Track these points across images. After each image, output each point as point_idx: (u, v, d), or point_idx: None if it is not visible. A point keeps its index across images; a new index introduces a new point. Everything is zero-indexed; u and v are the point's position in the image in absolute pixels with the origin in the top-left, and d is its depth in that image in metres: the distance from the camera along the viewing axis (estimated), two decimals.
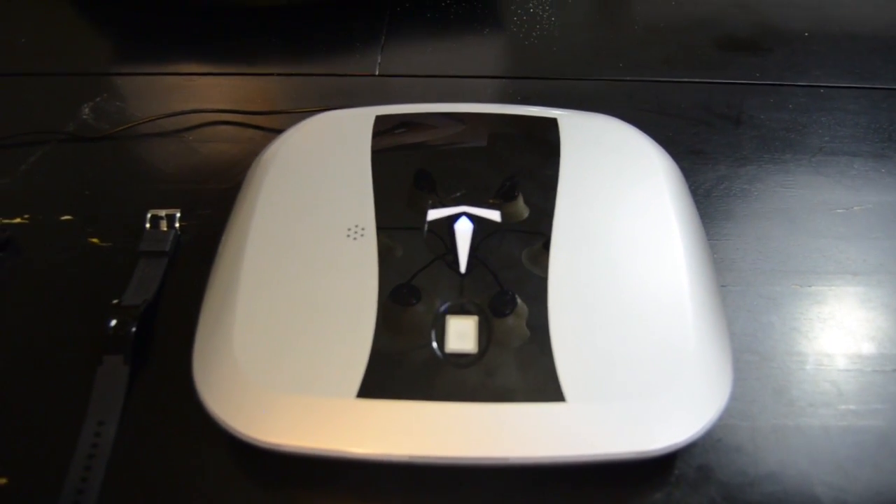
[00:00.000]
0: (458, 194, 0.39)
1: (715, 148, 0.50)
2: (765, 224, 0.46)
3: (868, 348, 0.40)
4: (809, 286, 0.42)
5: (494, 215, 0.38)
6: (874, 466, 0.35)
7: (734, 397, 0.36)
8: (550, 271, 0.35)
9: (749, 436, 0.36)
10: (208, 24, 0.61)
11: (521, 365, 0.33)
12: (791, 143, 0.51)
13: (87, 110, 0.54)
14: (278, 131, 0.45)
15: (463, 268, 0.36)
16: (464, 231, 0.37)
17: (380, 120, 0.42)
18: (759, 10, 0.62)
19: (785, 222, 0.46)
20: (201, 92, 0.55)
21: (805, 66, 0.57)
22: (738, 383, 0.37)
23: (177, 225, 0.45)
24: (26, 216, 0.46)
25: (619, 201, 0.39)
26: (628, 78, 0.56)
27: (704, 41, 0.59)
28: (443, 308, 0.34)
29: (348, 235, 0.37)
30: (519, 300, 0.35)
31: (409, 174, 0.40)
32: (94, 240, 0.45)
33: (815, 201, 0.47)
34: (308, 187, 0.39)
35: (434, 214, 0.38)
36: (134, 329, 0.39)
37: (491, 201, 0.39)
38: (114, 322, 0.39)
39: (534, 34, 0.60)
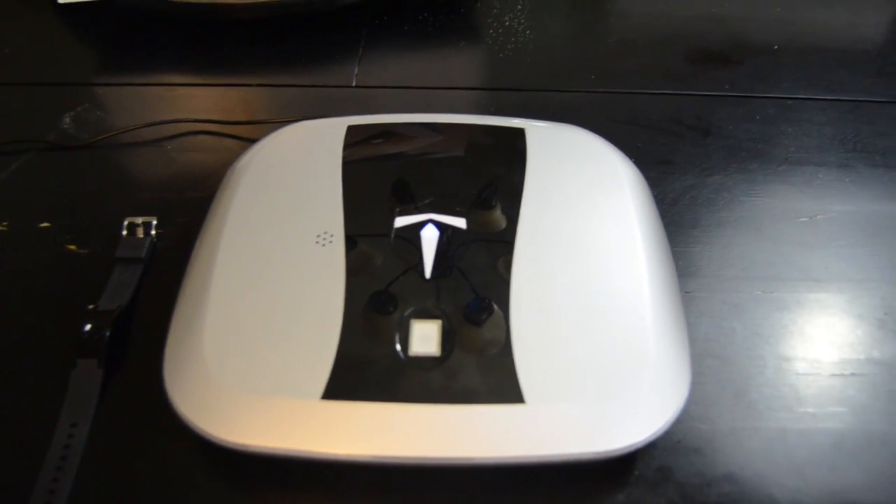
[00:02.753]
0: (426, 202, 0.40)
1: (683, 158, 0.51)
2: (730, 232, 0.47)
3: (827, 353, 0.41)
4: (772, 293, 0.43)
5: (460, 223, 0.39)
6: (830, 468, 0.36)
7: (695, 400, 0.37)
8: (513, 277, 0.36)
9: (708, 438, 0.37)
10: (189, 35, 0.62)
11: (482, 367, 0.33)
12: (758, 153, 0.52)
13: (67, 120, 0.55)
14: (255, 141, 0.46)
15: (428, 273, 0.37)
16: (430, 238, 0.38)
17: (351, 130, 0.43)
18: (732, 25, 0.64)
19: (750, 230, 0.47)
20: (181, 102, 0.56)
21: (774, 78, 0.58)
22: (699, 387, 0.38)
23: (153, 232, 0.46)
24: (5, 223, 0.47)
25: (582, 209, 0.40)
26: (601, 90, 0.57)
27: (677, 54, 0.61)
28: (407, 312, 0.35)
29: (317, 242, 0.38)
30: (482, 305, 0.35)
31: (378, 183, 0.41)
32: (72, 246, 0.46)
33: (780, 210, 0.48)
34: (279, 195, 0.40)
35: (401, 221, 0.39)
36: (108, 334, 0.39)
37: (457, 209, 0.39)
38: (88, 326, 0.40)
39: (509, 47, 0.61)
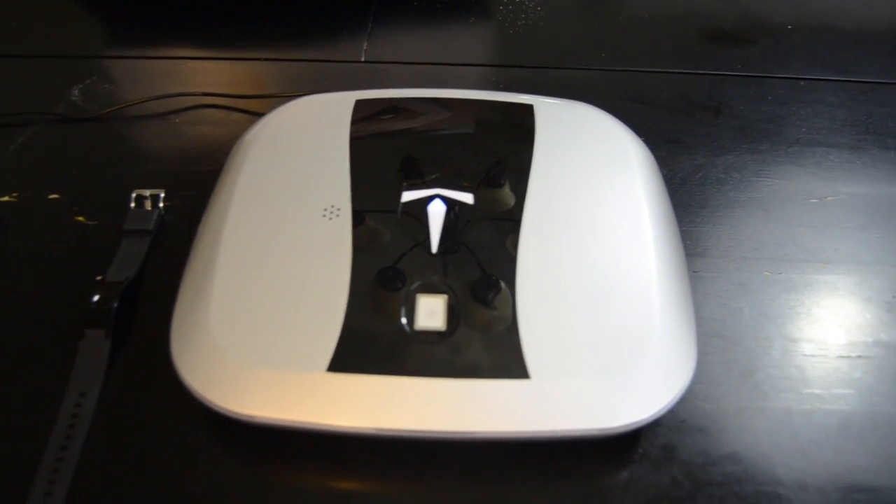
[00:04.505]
0: (433, 177, 0.39)
1: (693, 137, 0.51)
2: (739, 212, 0.46)
3: (835, 335, 0.40)
4: (780, 273, 0.43)
5: (468, 198, 0.39)
6: (835, 450, 0.36)
7: (700, 380, 0.37)
8: (520, 252, 0.36)
9: (713, 417, 0.37)
10: (198, 9, 0.61)
11: (487, 342, 0.33)
12: (769, 133, 0.52)
13: (76, 92, 0.54)
14: (263, 115, 0.46)
15: (434, 248, 0.36)
16: (437, 213, 0.38)
17: (359, 104, 0.43)
18: (745, 3, 0.63)
19: (759, 211, 0.46)
20: (189, 76, 0.56)
21: (786, 58, 0.58)
22: (705, 366, 0.38)
23: (161, 204, 0.46)
24: (14, 195, 0.47)
25: (590, 187, 0.40)
26: (611, 68, 0.57)
27: (689, 33, 0.60)
28: (413, 287, 0.35)
29: (324, 216, 0.38)
30: (489, 281, 0.35)
31: (385, 157, 0.41)
32: (80, 218, 0.46)
33: (790, 191, 0.48)
34: (287, 169, 0.40)
35: (408, 196, 0.38)
36: (116, 305, 0.40)
37: (465, 185, 0.39)
38: (96, 297, 0.40)
39: (519, 23, 0.61)
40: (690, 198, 0.47)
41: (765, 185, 0.48)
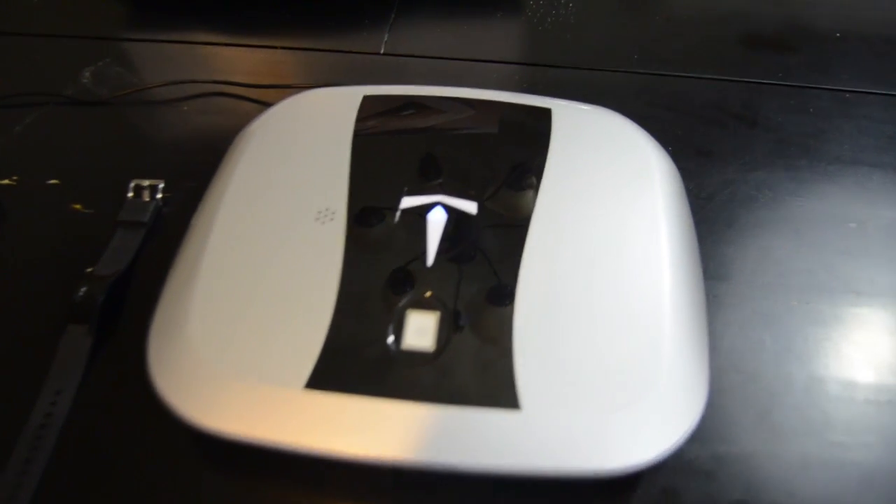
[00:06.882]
0: (437, 182, 0.37)
1: (725, 149, 0.48)
2: (768, 234, 0.43)
3: (864, 376, 0.37)
4: (808, 303, 0.40)
5: (471, 207, 0.36)
6: None
7: (711, 418, 0.35)
8: (522, 270, 0.34)
9: (723, 460, 0.34)
10: None
11: (478, 367, 0.31)
12: (808, 149, 0.48)
13: (87, 74, 0.53)
14: (272, 105, 0.44)
15: (430, 261, 0.34)
16: (437, 222, 0.35)
17: (367, 100, 0.41)
18: (790, 7, 0.59)
19: (790, 233, 0.43)
20: (203, 61, 0.55)
21: (833, 68, 0.54)
22: (718, 403, 0.35)
23: (159, 196, 0.44)
24: (14, 178, 0.46)
25: (604, 201, 0.37)
26: (642, 70, 0.53)
27: (728, 36, 0.56)
28: (404, 301, 0.33)
29: (317, 219, 0.36)
30: (485, 299, 0.33)
31: (388, 159, 0.38)
32: (77, 206, 0.45)
33: (826, 213, 0.44)
34: (284, 166, 0.38)
35: (408, 202, 0.36)
36: (101, 300, 0.38)
37: (470, 192, 0.37)
38: (82, 291, 0.38)
39: (549, 20, 0.58)
40: (717, 215, 0.44)
41: (799, 206, 0.44)
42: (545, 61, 0.55)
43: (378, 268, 0.34)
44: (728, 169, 0.47)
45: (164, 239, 0.42)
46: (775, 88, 0.52)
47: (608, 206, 0.37)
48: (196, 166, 0.46)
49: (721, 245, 0.42)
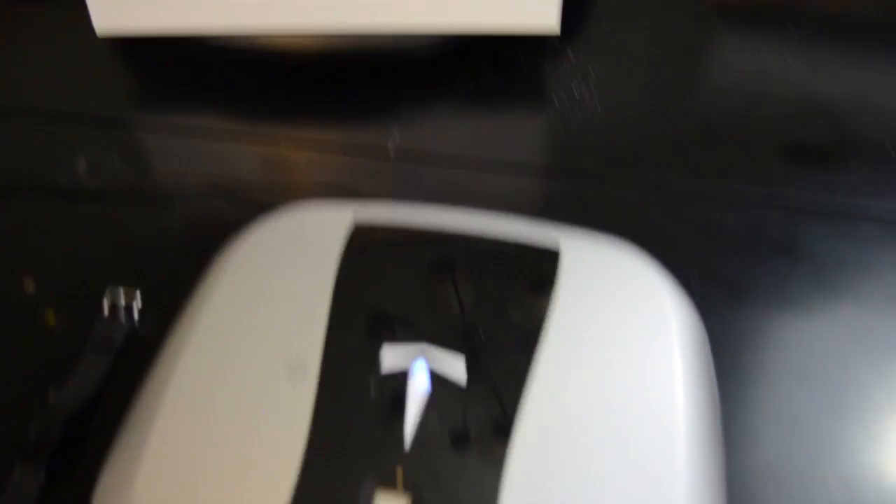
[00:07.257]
0: (423, 331, 0.33)
1: (757, 284, 0.43)
2: (803, 395, 0.38)
3: None
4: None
5: (460, 368, 0.32)
6: None
7: None
8: (512, 449, 0.29)
9: None
10: (221, 79, 0.57)
11: None
12: (856, 289, 0.43)
13: (81, 162, 0.51)
14: (268, 206, 0.41)
15: (408, 436, 0.30)
16: (418, 386, 0.31)
17: (357, 231, 0.37)
18: (843, 118, 0.53)
19: (834, 395, 0.38)
20: (201, 153, 0.52)
21: (888, 191, 0.48)
22: None
23: (135, 311, 0.41)
24: None
25: (612, 367, 0.32)
26: (669, 184, 0.49)
27: (769, 148, 0.51)
28: (371, 481, 0.29)
29: (287, 373, 0.32)
30: (467, 487, 0.29)
31: (372, 301, 0.35)
32: (49, 312, 0.42)
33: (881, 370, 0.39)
34: (256, 304, 0.35)
35: (389, 357, 0.32)
36: (57, 436, 0.35)
37: (460, 345, 0.33)
38: (35, 425, 0.35)
39: (573, 121, 0.54)
40: (745, 371, 0.39)
41: (848, 355, 0.39)
42: (565, 168, 0.51)
43: (347, 441, 0.30)
44: (760, 309, 0.42)
45: (136, 363, 0.39)
46: (819, 212, 0.47)
47: (616, 372, 0.32)
48: (181, 273, 0.43)
49: (745, 409, 0.37)
